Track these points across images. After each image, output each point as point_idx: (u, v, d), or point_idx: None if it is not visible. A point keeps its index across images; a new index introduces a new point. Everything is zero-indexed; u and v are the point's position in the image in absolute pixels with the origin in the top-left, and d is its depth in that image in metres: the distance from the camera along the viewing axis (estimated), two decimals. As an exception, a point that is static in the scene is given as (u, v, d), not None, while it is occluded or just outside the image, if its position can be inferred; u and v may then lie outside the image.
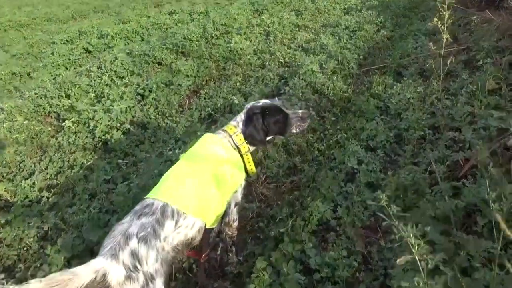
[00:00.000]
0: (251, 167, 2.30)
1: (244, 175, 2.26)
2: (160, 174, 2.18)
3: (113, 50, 7.02)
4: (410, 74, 4.56)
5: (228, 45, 6.24)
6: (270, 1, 9.31)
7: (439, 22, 3.39)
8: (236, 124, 2.31)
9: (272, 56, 5.84)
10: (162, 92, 4.86)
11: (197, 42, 6.77)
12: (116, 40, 7.73)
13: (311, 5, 8.79)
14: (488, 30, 4.76)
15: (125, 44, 7.64)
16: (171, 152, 3.48)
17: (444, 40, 3.44)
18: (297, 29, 7.28)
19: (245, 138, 2.26)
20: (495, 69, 3.85)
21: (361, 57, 5.56)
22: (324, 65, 5.03)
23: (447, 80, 4.25)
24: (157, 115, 4.43)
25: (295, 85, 4.46)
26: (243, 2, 10.03)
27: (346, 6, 8.57)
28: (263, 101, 2.42)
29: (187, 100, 4.79)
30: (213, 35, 7.08)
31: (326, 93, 4.44)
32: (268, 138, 2.40)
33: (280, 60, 5.68)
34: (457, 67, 4.42)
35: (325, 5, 8.71)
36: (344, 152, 3.25)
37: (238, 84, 4.98)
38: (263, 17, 7.38)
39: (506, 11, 5.33)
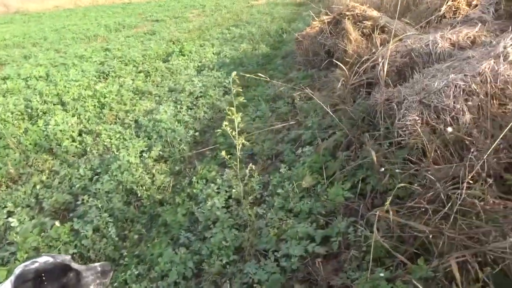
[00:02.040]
0: None
1: None
2: None
3: None
4: (239, 160, 4.01)
5: (46, 127, 5.25)
6: (119, 61, 8.52)
7: (232, 132, 2.85)
8: None
9: (98, 139, 4.99)
10: None
11: (15, 122, 5.68)
12: None
13: (163, 64, 8.18)
14: (314, 104, 4.44)
15: None
16: None
17: (238, 167, 2.92)
18: (138, 96, 6.53)
19: None
20: (316, 157, 3.44)
21: (197, 133, 4.96)
22: (145, 154, 4.30)
23: (271, 167, 3.78)
24: None
25: (98, 191, 3.64)
26: (94, 61, 9.13)
27: (200, 64, 8.10)
28: (41, 259, 1.60)
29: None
30: (38, 110, 6.03)
31: (140, 195, 3.69)
32: None
33: (106, 143, 4.85)
34: (285, 147, 3.99)
35: (178, 63, 8.17)
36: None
37: (38, 187, 4.01)
38: (97, 87, 6.51)
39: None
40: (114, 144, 4.68)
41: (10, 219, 3.31)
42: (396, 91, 3.35)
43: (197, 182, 3.66)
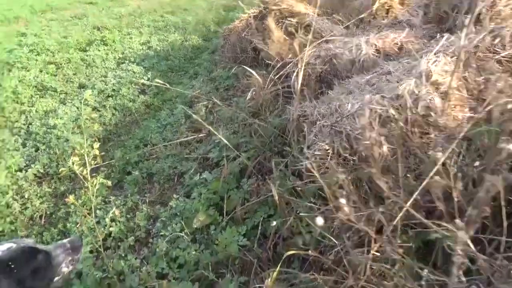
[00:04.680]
0: None
1: None
2: None
3: None
4: (133, 181, 3.38)
5: None
6: (27, 51, 7.49)
7: (84, 171, 2.19)
8: None
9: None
10: None
11: None
12: None
13: (79, 55, 7.26)
14: (232, 112, 3.86)
15: None
16: None
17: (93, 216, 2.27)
18: (41, 94, 5.65)
19: None
20: (216, 185, 2.86)
21: (96, 143, 4.22)
22: (21, 172, 3.54)
23: (169, 193, 3.17)
24: None
25: None
26: (4, 48, 8.02)
27: (122, 56, 7.27)
28: (3, 247, 1.47)
29: None
30: None
31: (1, 229, 2.97)
32: None
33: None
34: (189, 167, 3.39)
35: (96, 54, 7.29)
36: None
37: None
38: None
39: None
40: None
41: None
42: (311, 108, 2.84)
43: (75, 212, 2.99)
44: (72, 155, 2.24)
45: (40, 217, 3.13)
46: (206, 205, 2.68)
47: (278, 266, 1.70)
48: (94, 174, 2.37)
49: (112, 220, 2.81)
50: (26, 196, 3.29)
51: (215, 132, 2.71)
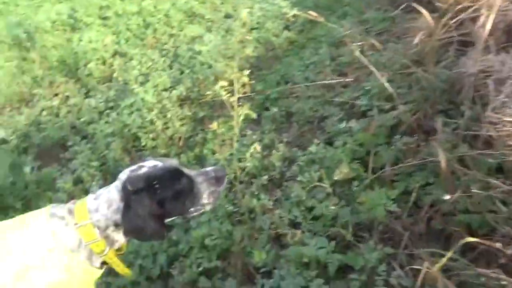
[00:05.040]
0: (122, 269, 1.39)
1: None
2: None
3: None
4: (272, 119, 3.21)
5: (79, 42, 4.73)
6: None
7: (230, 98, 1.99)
8: (95, 206, 1.30)
9: (127, 65, 4.39)
10: None
11: (56, 33, 5.24)
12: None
13: (227, -16, 7.19)
14: (385, 58, 3.37)
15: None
16: None
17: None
18: (188, 20, 5.74)
19: (127, 233, 1.32)
20: (363, 137, 2.52)
21: (245, 71, 4.15)
22: (167, 92, 3.60)
23: (308, 136, 2.92)
24: None
25: (99, 131, 3.07)
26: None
27: (269, -12, 7.02)
28: (148, 164, 1.39)
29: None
30: (82, 23, 5.53)
31: (144, 144, 3.08)
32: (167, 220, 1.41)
33: (136, 69, 4.22)
34: (332, 113, 3.07)
35: (244, -15, 7.15)
36: None
37: (44, 113, 3.55)
38: (144, 3, 5.80)
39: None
40: (139, 74, 4.03)
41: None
42: (498, 62, 2.27)
43: (212, 140, 2.95)
44: (220, 79, 2.09)
45: (179, 139, 3.17)
46: (350, 157, 2.38)
47: (450, 252, 1.35)
48: (240, 104, 2.22)
49: (250, 155, 2.68)
50: (168, 116, 3.34)
51: (378, 75, 2.33)
